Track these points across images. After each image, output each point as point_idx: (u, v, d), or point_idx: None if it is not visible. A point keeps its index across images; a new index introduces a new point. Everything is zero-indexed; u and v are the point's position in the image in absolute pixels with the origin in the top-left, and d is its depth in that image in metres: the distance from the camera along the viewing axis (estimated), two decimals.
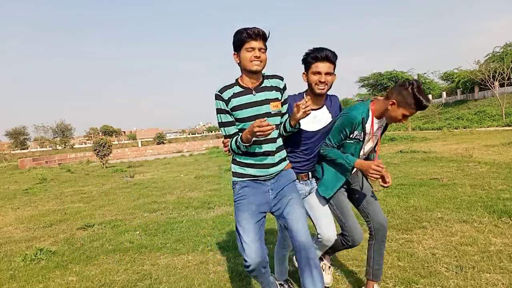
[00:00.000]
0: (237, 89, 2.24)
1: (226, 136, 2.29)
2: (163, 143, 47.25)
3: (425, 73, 47.85)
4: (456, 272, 2.93)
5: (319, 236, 2.52)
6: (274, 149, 2.29)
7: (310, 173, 2.63)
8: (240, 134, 2.19)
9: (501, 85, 33.17)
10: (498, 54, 34.70)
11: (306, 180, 2.61)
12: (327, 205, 2.61)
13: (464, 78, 37.32)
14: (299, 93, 2.60)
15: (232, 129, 2.26)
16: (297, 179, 2.54)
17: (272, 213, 2.34)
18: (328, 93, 2.55)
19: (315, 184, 2.65)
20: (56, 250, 4.46)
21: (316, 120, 2.52)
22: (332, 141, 2.45)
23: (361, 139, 2.44)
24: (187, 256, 3.90)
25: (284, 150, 2.39)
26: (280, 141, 2.34)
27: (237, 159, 2.31)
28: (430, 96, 44.00)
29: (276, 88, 2.29)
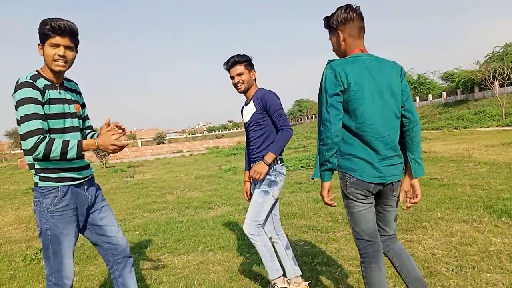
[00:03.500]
0: (44, 81, 1.99)
1: (27, 133, 1.87)
2: (163, 143, 47.24)
3: (425, 73, 47.95)
4: (456, 272, 2.92)
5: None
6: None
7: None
8: (70, 140, 1.94)
9: (501, 85, 33.18)
10: (498, 54, 34.74)
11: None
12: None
13: (464, 78, 37.35)
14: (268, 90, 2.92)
15: (41, 125, 1.89)
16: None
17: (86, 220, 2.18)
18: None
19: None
20: None
21: (247, 113, 2.92)
22: None
23: None
24: (187, 256, 3.90)
25: None
26: None
27: (49, 167, 1.99)
28: (429, 96, 44.05)
29: (76, 91, 2.22)
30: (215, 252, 3.96)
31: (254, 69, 2.91)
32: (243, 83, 2.84)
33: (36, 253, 4.19)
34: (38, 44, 2.00)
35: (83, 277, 3.53)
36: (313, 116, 72.94)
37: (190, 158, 20.58)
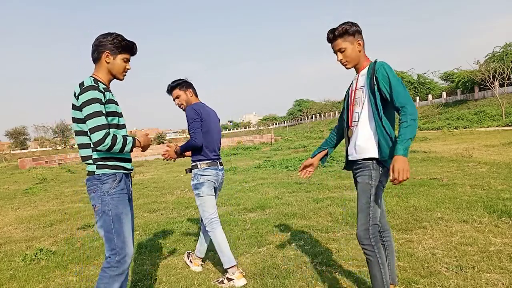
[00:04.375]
0: (102, 84, 2.25)
1: (96, 127, 2.10)
2: (163, 143, 47.23)
3: (425, 73, 47.95)
4: (456, 272, 2.92)
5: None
6: None
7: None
8: (125, 135, 2.28)
9: (501, 85, 33.17)
10: (498, 54, 34.71)
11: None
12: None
13: (464, 78, 37.34)
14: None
15: (106, 121, 2.16)
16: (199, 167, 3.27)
17: None
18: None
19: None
20: (56, 250, 4.46)
21: None
22: None
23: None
24: None
25: None
26: None
27: (107, 156, 2.24)
28: (429, 96, 44.04)
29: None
30: (215, 252, 3.95)
31: (190, 87, 3.36)
32: (182, 104, 3.35)
33: (36, 253, 4.19)
34: (107, 52, 2.25)
35: (83, 277, 3.53)
36: (313, 116, 72.86)
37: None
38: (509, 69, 31.07)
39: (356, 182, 2.43)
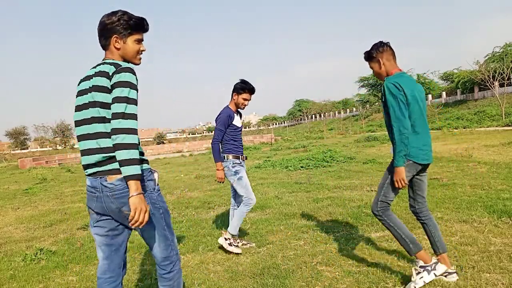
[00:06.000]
0: None
1: (135, 116, 1.85)
2: (163, 143, 47.29)
3: (425, 73, 47.89)
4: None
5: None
6: None
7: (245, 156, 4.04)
8: None
9: (501, 85, 33.16)
10: (498, 54, 34.68)
11: (244, 161, 4.03)
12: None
13: (464, 78, 37.33)
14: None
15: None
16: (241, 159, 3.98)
17: None
18: None
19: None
20: (56, 250, 4.46)
21: (238, 120, 4.03)
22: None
23: None
24: (187, 256, 3.90)
25: None
26: None
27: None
28: (429, 96, 44.05)
29: None
30: (215, 252, 3.96)
31: None
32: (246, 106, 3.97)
33: (36, 253, 4.20)
34: (115, 36, 1.92)
35: (83, 277, 3.53)
36: (313, 116, 72.85)
37: (190, 158, 20.58)
38: (509, 69, 31.05)
39: None
